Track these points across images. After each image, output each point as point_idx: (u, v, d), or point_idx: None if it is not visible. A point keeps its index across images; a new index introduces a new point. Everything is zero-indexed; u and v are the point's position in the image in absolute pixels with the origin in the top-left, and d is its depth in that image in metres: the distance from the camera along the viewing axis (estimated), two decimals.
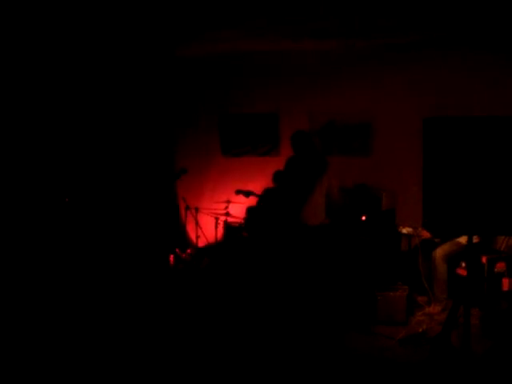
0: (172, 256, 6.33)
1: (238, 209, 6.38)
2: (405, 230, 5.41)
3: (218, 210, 6.31)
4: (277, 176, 6.14)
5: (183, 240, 6.91)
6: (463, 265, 4.85)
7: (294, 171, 5.13)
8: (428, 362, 3.81)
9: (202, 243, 6.52)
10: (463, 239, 4.98)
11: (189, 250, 6.59)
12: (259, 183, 6.42)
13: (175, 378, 3.64)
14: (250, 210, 6.33)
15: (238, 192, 6.17)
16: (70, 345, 4.11)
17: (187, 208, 6.44)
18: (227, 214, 6.32)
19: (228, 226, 6.37)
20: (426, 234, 5.28)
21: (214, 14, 4.97)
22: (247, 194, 6.17)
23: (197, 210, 6.38)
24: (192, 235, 6.73)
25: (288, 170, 5.23)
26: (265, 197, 6.18)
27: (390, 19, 5.28)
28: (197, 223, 6.40)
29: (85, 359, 3.88)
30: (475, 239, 4.82)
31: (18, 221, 5.72)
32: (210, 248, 6.57)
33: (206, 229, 6.48)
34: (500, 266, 4.70)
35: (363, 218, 5.70)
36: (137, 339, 4.24)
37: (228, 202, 6.35)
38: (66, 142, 6.28)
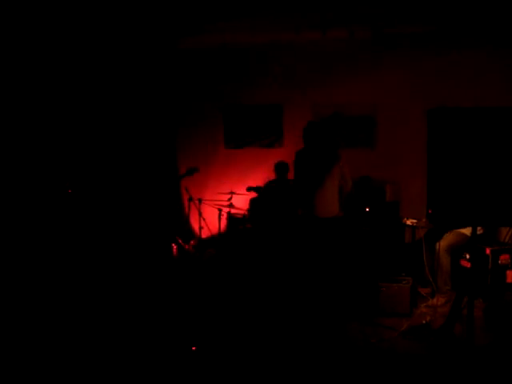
0: (175, 247, 6.34)
1: (242, 200, 6.37)
2: (409, 222, 5.39)
3: (222, 201, 6.30)
4: (279, 167, 6.14)
5: (186, 231, 6.91)
6: (467, 256, 4.84)
7: (305, 165, 5.03)
8: (431, 354, 3.82)
9: (205, 235, 6.52)
10: (467, 231, 4.97)
11: (192, 242, 6.60)
12: (262, 174, 6.42)
13: (177, 371, 3.65)
14: (253, 202, 6.33)
15: (250, 189, 6.13)
16: (72, 335, 4.13)
17: (190, 199, 6.43)
18: (231, 206, 6.31)
19: (231, 218, 6.36)
20: (429, 226, 5.27)
21: (216, 6, 4.96)
22: (257, 190, 6.12)
23: (200, 201, 6.36)
24: (195, 227, 6.72)
25: (299, 164, 5.09)
26: (268, 188, 6.16)
27: (392, 9, 5.27)
28: (200, 215, 6.39)
29: (86, 350, 3.90)
30: (479, 231, 4.81)
31: (23, 211, 5.73)
32: (214, 239, 6.57)
33: (209, 220, 6.47)
34: (504, 258, 4.70)
35: (367, 209, 5.69)
36: (139, 331, 4.25)
37: (231, 193, 6.34)
38: (69, 133, 6.27)
